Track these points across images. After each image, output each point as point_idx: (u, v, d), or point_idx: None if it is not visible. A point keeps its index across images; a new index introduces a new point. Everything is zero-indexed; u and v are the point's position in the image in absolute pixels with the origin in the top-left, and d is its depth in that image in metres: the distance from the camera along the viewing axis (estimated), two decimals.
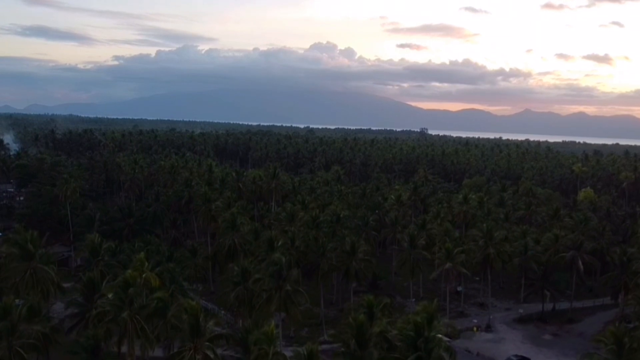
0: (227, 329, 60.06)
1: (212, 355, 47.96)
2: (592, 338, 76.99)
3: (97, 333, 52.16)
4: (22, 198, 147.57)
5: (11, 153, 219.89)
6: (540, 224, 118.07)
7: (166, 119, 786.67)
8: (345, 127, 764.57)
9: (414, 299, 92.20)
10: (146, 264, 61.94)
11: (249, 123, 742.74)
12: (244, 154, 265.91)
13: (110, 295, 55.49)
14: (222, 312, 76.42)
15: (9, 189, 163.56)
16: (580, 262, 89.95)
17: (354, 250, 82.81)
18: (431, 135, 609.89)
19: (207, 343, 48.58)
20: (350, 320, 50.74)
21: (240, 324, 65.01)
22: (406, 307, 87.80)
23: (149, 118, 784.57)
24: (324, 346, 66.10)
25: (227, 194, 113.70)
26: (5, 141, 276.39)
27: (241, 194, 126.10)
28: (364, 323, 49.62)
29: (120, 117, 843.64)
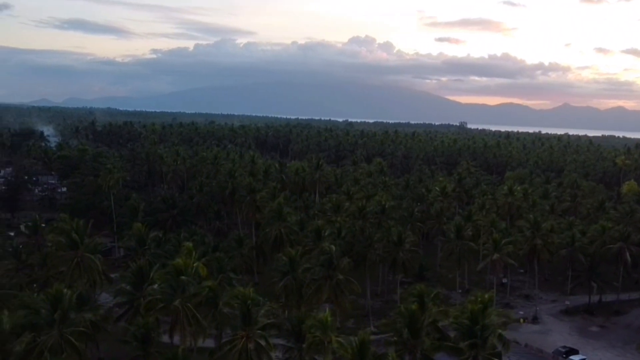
0: (275, 319, 59.08)
1: (264, 344, 47.18)
2: None
3: (148, 322, 51.71)
4: (64, 189, 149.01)
5: (52, 145, 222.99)
6: (585, 216, 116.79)
7: (204, 112, 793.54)
8: (384, 120, 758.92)
9: (460, 290, 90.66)
10: (194, 253, 61.66)
11: (287, 116, 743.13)
12: (285, 147, 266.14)
13: (158, 284, 55.20)
14: (268, 302, 75.80)
15: (51, 181, 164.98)
16: (627, 254, 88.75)
17: (401, 241, 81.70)
18: (470, 129, 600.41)
19: (259, 331, 47.80)
20: (402, 310, 49.72)
21: (287, 315, 64.06)
22: (451, 298, 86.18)
23: (186, 111, 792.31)
24: (372, 337, 64.78)
25: (271, 184, 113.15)
26: (46, 133, 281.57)
27: (284, 185, 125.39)
28: (416, 312, 48.55)
29: (158, 110, 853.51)
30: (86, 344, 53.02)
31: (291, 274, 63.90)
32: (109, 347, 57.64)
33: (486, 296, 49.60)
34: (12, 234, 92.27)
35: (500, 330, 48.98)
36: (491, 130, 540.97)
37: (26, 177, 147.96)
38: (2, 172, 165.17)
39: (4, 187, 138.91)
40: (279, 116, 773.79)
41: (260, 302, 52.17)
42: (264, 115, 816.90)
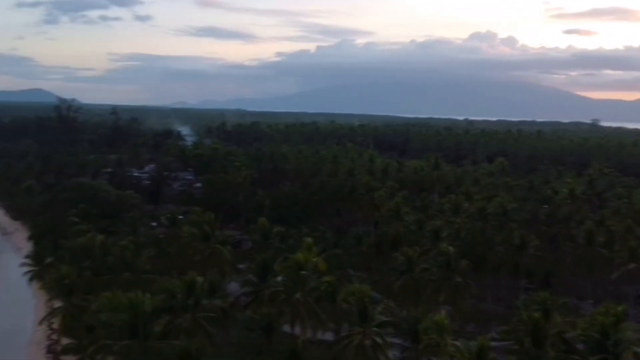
0: (392, 317, 59.99)
1: (380, 341, 48.11)
2: None
3: (271, 312, 54.69)
4: (199, 185, 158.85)
5: (188, 144, 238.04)
6: None
7: (325, 112, 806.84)
8: (507, 119, 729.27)
9: (591, 301, 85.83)
10: (314, 248, 64.16)
11: (406, 115, 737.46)
12: (403, 146, 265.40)
13: (281, 277, 58.15)
14: (386, 300, 76.89)
15: (188, 177, 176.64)
16: None
17: (524, 244, 79.39)
18: (603, 126, 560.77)
19: (375, 329, 48.88)
20: (525, 317, 48.53)
21: (405, 314, 64.78)
22: (581, 309, 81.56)
23: (309, 111, 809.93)
24: (493, 343, 63.52)
25: (389, 183, 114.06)
26: (183, 133, 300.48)
27: (402, 184, 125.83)
28: (539, 321, 47.22)
29: (283, 110, 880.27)
30: (216, 329, 56.89)
31: (409, 274, 64.52)
32: (236, 333, 61.29)
33: (619, 309, 47.04)
34: (154, 224, 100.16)
35: (636, 348, 46.25)
36: (628, 128, 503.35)
37: (166, 173, 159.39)
38: (147, 168, 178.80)
39: (147, 182, 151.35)
40: (397, 115, 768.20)
41: (377, 299, 53.36)
42: (383, 114, 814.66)
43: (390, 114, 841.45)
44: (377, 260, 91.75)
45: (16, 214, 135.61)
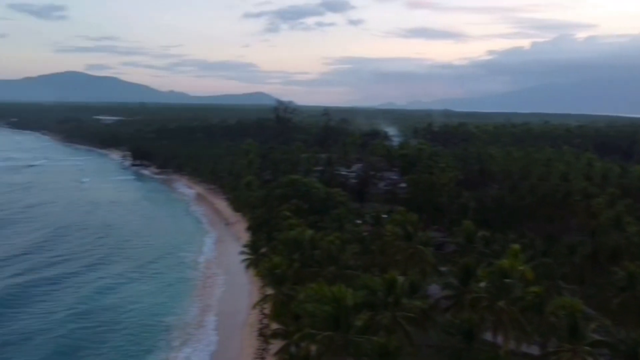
0: (608, 337, 54.61)
1: None
2: None
3: (472, 318, 53.08)
4: (404, 185, 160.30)
5: (394, 144, 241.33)
6: None
7: (538, 112, 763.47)
8: None
9: None
10: (521, 255, 60.91)
11: (634, 115, 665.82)
12: (628, 149, 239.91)
13: (484, 282, 56.17)
14: (601, 318, 70.38)
15: (393, 176, 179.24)
16: None
17: None
18: None
19: (587, 348, 44.91)
20: None
21: (623, 335, 58.52)
22: None
23: (521, 111, 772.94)
24: None
25: (609, 190, 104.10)
26: (390, 133, 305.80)
27: (625, 191, 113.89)
28: None
29: (493, 110, 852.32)
30: (415, 329, 56.81)
31: (630, 291, 58.15)
32: (435, 335, 60.64)
33: None
34: (359, 221, 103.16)
35: None
36: None
37: (372, 173, 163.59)
38: (354, 167, 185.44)
39: (354, 181, 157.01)
40: (622, 115, 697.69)
41: (591, 316, 48.96)
42: (606, 114, 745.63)
43: (614, 113, 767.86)
44: (592, 273, 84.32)
45: (237, 206, 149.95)
